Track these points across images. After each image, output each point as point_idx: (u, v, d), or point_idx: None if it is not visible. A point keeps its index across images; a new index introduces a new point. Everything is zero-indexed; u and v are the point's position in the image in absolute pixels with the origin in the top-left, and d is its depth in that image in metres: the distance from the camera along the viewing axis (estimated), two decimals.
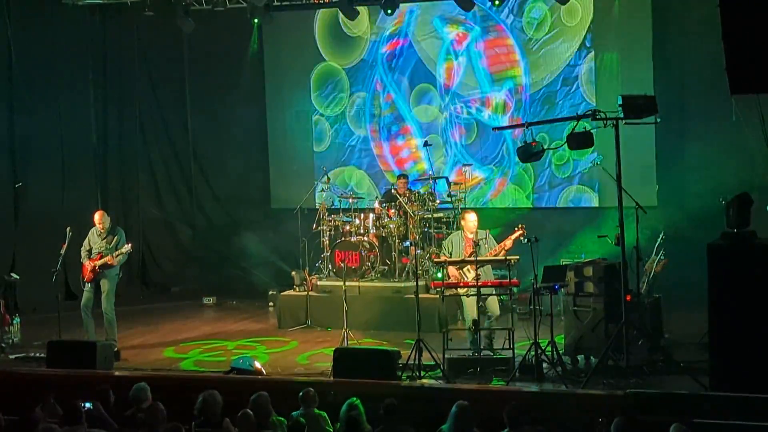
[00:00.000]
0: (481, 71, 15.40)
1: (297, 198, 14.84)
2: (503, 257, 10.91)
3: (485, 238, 11.23)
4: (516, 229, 11.03)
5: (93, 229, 12.22)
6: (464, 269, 11.02)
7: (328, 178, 14.48)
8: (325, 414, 8.20)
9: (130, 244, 12.16)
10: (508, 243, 11.05)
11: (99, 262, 11.99)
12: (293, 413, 8.18)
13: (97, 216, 12.25)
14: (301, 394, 8.30)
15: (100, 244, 12.10)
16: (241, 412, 7.74)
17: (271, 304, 14.74)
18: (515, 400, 8.13)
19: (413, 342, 10.42)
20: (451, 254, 11.13)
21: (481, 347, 10.78)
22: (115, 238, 12.12)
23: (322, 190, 14.43)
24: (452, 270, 11.10)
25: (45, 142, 15.74)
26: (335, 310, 12.46)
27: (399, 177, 14.31)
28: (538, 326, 10.30)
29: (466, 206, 14.38)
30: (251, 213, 16.89)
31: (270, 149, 16.86)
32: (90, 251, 12.13)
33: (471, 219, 11.31)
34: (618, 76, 14.51)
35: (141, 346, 12.63)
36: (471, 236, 11.13)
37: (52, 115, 15.84)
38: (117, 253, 11.99)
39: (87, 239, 12.21)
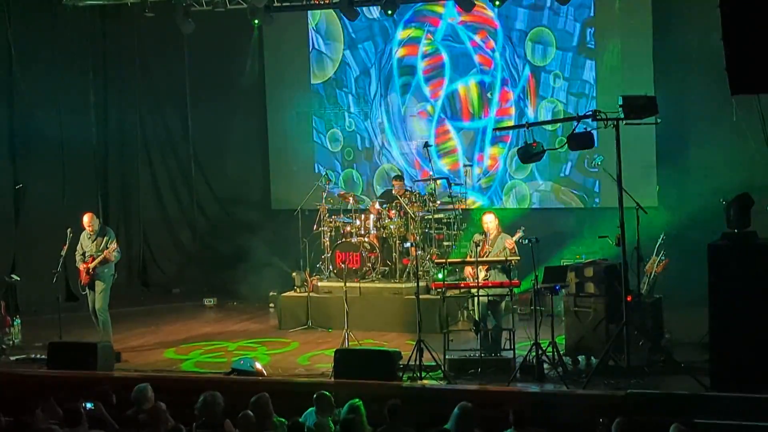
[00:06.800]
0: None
1: (297, 199, 14.82)
2: (504, 258, 10.94)
3: (498, 239, 11.28)
4: (517, 231, 11.13)
5: (83, 232, 12.21)
6: (478, 269, 11.08)
7: (329, 179, 14.49)
8: (332, 424, 8.19)
9: (116, 243, 12.16)
10: (509, 244, 11.12)
11: (92, 264, 11.99)
12: (305, 414, 8.17)
13: (85, 218, 12.21)
14: (315, 396, 8.27)
15: (90, 247, 12.10)
16: (242, 414, 7.75)
17: (271, 305, 14.72)
18: (516, 400, 8.14)
19: (414, 343, 10.43)
20: (475, 253, 11.15)
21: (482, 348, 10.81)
22: (105, 239, 12.12)
23: (323, 191, 14.39)
24: (468, 270, 11.21)
25: (45, 142, 15.72)
26: (336, 311, 12.47)
27: (394, 179, 14.28)
28: (539, 327, 10.31)
29: (467, 207, 14.45)
30: (252, 214, 16.88)
31: (270, 150, 16.86)
32: (84, 254, 12.14)
33: (485, 220, 11.50)
34: (618, 77, 14.50)
35: (141, 348, 12.63)
36: (484, 237, 11.30)
37: (52, 115, 15.84)
38: (109, 250, 11.98)
39: (79, 243, 12.22)
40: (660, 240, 11.52)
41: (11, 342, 12.69)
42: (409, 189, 14.20)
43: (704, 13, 11.47)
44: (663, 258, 11.35)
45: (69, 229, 12.30)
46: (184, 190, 17.49)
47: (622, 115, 9.95)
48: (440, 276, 11.44)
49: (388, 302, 13.12)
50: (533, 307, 10.65)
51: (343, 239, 13.67)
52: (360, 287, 13.11)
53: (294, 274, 14.12)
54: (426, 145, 14.28)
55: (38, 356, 11.71)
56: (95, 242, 12.10)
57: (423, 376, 10.23)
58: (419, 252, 12.84)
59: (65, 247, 12.22)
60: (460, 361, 10.61)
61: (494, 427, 7.83)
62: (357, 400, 8.05)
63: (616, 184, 10.01)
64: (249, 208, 17.01)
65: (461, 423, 7.48)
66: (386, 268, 13.61)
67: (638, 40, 14.43)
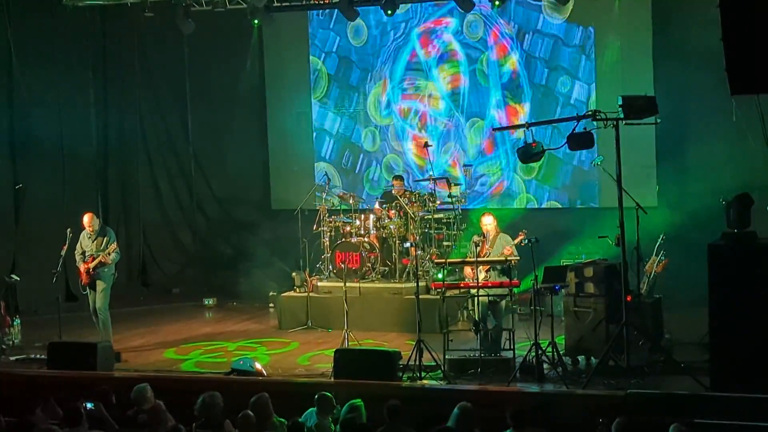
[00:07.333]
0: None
1: (297, 199, 14.82)
2: (503, 258, 10.95)
3: (497, 239, 11.28)
4: (519, 233, 11.13)
5: (83, 232, 12.21)
6: (477, 269, 11.08)
7: (329, 180, 14.49)
8: (332, 425, 8.19)
9: (116, 243, 12.16)
10: (509, 251, 11.13)
11: (92, 264, 11.99)
12: (305, 414, 8.17)
13: (86, 218, 12.22)
14: (317, 397, 8.28)
15: (91, 247, 12.10)
16: (242, 414, 7.75)
17: (271, 305, 14.72)
18: (516, 400, 8.13)
19: (414, 343, 10.43)
20: (475, 254, 11.14)
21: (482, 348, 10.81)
22: (105, 239, 12.12)
23: (323, 192, 14.39)
24: (468, 270, 11.22)
25: (45, 142, 15.71)
26: (336, 311, 12.46)
27: (394, 178, 14.28)
28: (539, 327, 10.31)
29: (467, 207, 14.45)
30: (251, 214, 16.89)
31: (270, 150, 16.86)
32: (84, 254, 12.14)
33: (483, 222, 11.54)
34: (618, 76, 14.49)
35: (141, 348, 12.63)
36: (483, 238, 11.33)
37: (52, 115, 15.84)
38: (108, 251, 11.99)
39: (79, 242, 12.21)
40: (660, 240, 11.51)
41: (11, 342, 12.69)
42: (409, 189, 14.20)
43: (704, 12, 11.49)
44: (663, 258, 11.35)
45: (69, 229, 12.30)
46: (184, 190, 17.49)
47: (621, 115, 9.95)
48: (440, 276, 11.43)
49: (387, 302, 13.12)
50: (533, 307, 10.64)
51: (343, 239, 13.67)
52: (360, 287, 13.11)
53: (294, 274, 14.12)
54: (426, 144, 14.27)
55: (38, 356, 11.71)
56: (95, 242, 12.10)
57: (423, 376, 10.23)
58: (419, 252, 12.84)
59: (65, 247, 12.21)
60: (460, 361, 10.61)
61: (494, 427, 7.82)
62: (358, 399, 8.06)
63: (616, 184, 10.00)
64: (249, 209, 17.01)
65: (461, 423, 7.48)
66: (386, 268, 13.61)
67: (638, 39, 14.44)
